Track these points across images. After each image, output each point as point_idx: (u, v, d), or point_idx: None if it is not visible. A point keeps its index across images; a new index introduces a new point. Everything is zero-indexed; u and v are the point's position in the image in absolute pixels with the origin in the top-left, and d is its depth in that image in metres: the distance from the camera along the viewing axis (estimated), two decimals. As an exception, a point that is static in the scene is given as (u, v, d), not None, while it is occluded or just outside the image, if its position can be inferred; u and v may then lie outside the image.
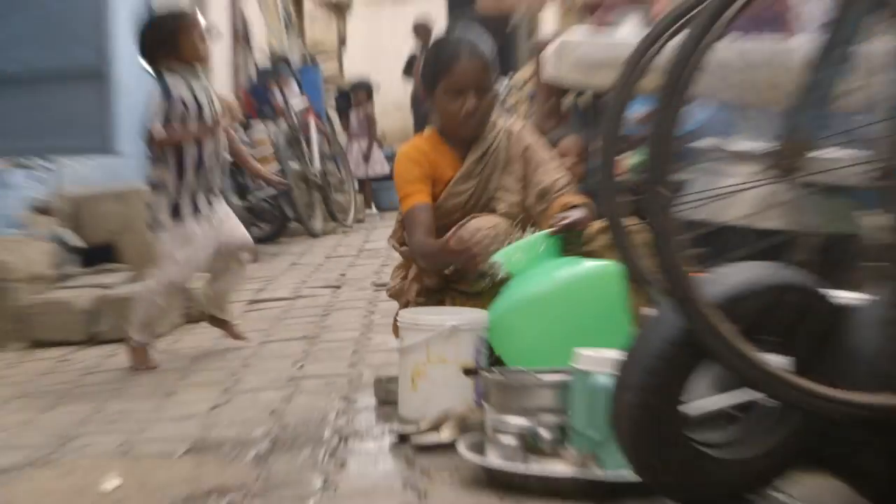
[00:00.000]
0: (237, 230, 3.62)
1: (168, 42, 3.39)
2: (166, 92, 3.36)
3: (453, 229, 2.50)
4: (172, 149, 3.38)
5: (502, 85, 6.91)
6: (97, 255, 4.86)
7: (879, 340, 1.59)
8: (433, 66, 2.68)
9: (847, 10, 1.67)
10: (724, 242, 1.91)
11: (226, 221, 3.56)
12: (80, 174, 5.63)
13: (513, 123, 2.78)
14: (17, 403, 3.02)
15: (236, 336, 3.67)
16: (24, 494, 2.06)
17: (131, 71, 6.32)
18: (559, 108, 4.91)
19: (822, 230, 1.94)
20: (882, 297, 1.62)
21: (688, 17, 1.82)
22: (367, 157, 9.20)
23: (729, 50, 1.61)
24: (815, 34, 1.78)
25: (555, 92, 4.87)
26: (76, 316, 3.93)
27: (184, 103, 3.38)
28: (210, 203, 3.48)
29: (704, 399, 1.81)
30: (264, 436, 2.39)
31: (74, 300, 3.97)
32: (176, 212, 3.41)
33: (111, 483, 2.07)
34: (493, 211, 2.62)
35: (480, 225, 2.50)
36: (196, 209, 3.44)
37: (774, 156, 1.72)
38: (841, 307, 1.67)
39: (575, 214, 2.46)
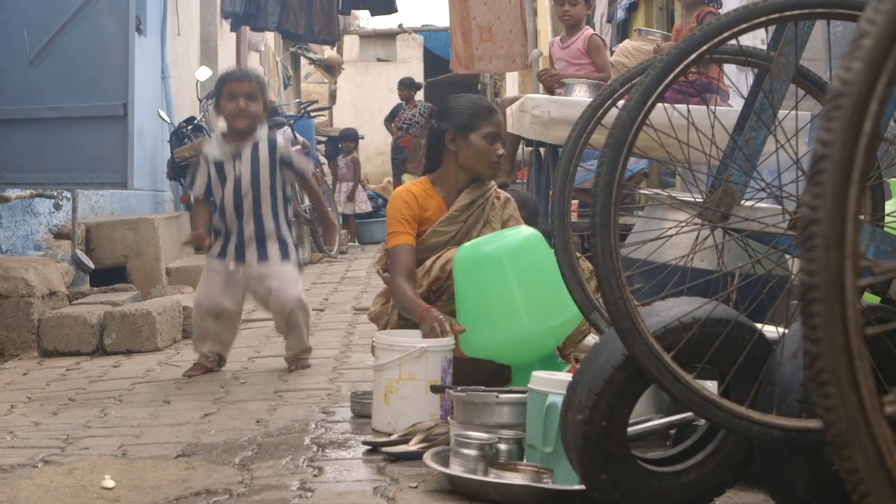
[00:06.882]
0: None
1: None
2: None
3: (432, 259, 2.57)
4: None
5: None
6: (108, 276, 4.79)
7: (796, 369, 1.56)
8: (472, 112, 2.66)
9: (766, 82, 1.68)
10: (661, 280, 1.89)
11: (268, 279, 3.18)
12: (96, 204, 5.54)
13: (499, 190, 2.82)
14: (28, 407, 2.90)
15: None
16: (27, 492, 1.96)
17: (146, 117, 6.27)
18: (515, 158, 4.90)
19: (746, 271, 1.93)
20: (798, 330, 1.60)
21: (633, 82, 1.81)
22: (351, 197, 9.20)
23: (666, 112, 1.59)
24: (742, 100, 1.78)
25: (514, 143, 4.87)
26: (86, 329, 3.82)
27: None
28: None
29: (647, 419, 1.77)
30: (250, 442, 2.31)
31: (85, 315, 3.86)
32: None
33: (108, 482, 1.98)
34: None
35: (453, 255, 2.53)
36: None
37: (706, 205, 1.72)
38: (765, 338, 1.65)
39: None
